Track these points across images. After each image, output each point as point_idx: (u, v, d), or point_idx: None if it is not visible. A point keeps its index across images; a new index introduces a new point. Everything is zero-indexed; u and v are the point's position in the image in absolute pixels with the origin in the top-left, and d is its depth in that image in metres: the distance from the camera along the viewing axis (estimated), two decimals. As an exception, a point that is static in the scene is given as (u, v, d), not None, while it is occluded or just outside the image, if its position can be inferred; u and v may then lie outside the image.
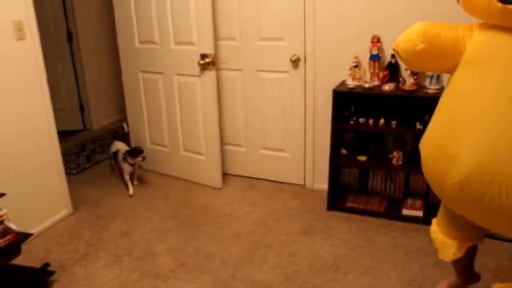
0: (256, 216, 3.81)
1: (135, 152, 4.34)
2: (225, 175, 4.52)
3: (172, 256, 3.33)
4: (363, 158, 3.68)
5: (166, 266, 3.23)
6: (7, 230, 2.79)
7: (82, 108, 6.34)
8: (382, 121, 3.49)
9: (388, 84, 3.39)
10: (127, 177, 4.39)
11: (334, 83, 3.67)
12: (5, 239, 2.77)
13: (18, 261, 3.08)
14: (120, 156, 4.44)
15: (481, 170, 1.75)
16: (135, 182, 4.57)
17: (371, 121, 3.52)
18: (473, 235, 2.30)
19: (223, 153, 4.44)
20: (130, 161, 4.34)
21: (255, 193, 4.22)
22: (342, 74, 3.72)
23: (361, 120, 3.56)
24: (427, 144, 2.06)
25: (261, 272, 3.10)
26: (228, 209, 3.95)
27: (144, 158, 4.34)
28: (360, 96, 3.64)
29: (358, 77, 3.57)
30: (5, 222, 2.77)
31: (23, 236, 2.97)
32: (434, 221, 2.46)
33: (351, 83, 3.56)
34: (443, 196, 2.02)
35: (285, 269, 3.11)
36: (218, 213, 3.89)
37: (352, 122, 3.58)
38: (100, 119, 6.57)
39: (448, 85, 2.02)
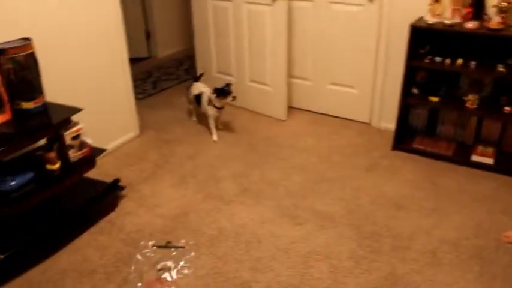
0: (320, 150, 3.81)
1: (224, 92, 3.88)
2: (289, 108, 4.50)
3: (236, 182, 3.41)
4: (434, 99, 3.55)
5: (230, 190, 3.31)
6: (83, 144, 2.92)
7: (148, 35, 6.39)
8: (460, 61, 3.33)
9: (471, 22, 3.20)
10: (212, 122, 4.04)
11: (411, 18, 3.50)
12: (82, 151, 2.91)
13: (91, 174, 3.23)
14: (205, 98, 4.04)
15: None
16: (220, 127, 4.22)
17: (448, 61, 3.36)
18: None
19: (289, 86, 4.40)
20: (218, 103, 3.93)
21: (319, 128, 4.20)
22: (420, 10, 3.53)
23: (437, 59, 3.40)
24: None
25: (323, 203, 3.13)
26: (292, 141, 3.96)
27: (234, 98, 3.87)
28: (439, 33, 3.46)
29: (438, 13, 3.38)
30: (82, 136, 2.89)
31: (97, 151, 3.11)
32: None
33: (430, 19, 3.38)
34: None
35: (348, 203, 3.13)
36: (282, 145, 3.92)
37: (427, 61, 3.43)
38: (165, 48, 6.62)
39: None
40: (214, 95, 3.89)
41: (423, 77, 3.65)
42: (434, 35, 3.50)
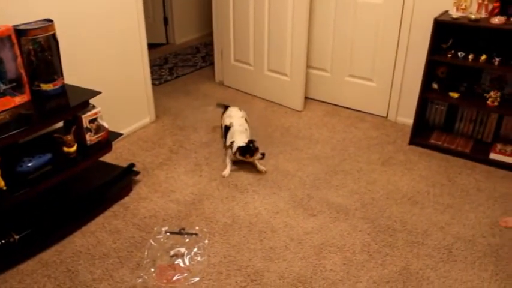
0: (335, 142, 3.78)
1: (249, 150, 3.33)
2: (306, 99, 4.47)
3: (251, 170, 3.40)
4: (455, 95, 3.51)
5: (244, 179, 3.30)
6: (100, 128, 2.92)
7: (166, 21, 6.38)
8: (483, 57, 3.27)
9: (497, 17, 3.14)
10: (228, 160, 3.46)
11: (436, 12, 3.44)
12: (98, 135, 2.92)
13: (106, 158, 3.24)
14: (230, 135, 3.48)
15: None
16: (261, 168, 3.44)
17: (471, 56, 3.31)
18: None
19: (306, 77, 4.36)
20: (242, 158, 3.39)
21: (335, 120, 4.17)
22: (445, 3, 3.47)
23: (460, 54, 3.35)
24: None
25: (338, 195, 3.11)
26: (307, 132, 3.94)
27: (263, 156, 3.34)
28: (463, 28, 3.39)
29: (463, 7, 3.32)
30: (99, 120, 2.89)
31: (114, 135, 3.12)
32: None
33: (454, 13, 3.33)
34: None
35: (362, 196, 3.11)
36: (298, 135, 3.90)
37: (449, 56, 3.38)
38: (183, 34, 6.60)
39: None
40: (238, 153, 3.36)
41: (444, 72, 3.60)
42: (457, 30, 3.44)
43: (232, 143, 3.40)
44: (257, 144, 3.38)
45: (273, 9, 4.14)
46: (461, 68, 3.51)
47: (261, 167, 3.41)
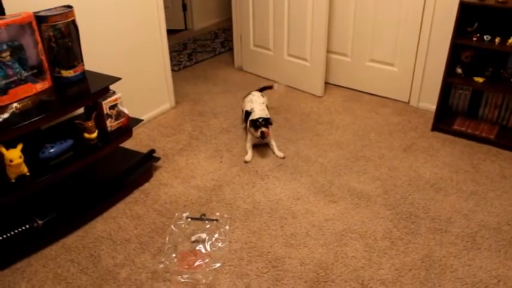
0: (357, 128, 3.73)
1: (258, 124, 3.34)
2: (326, 84, 4.41)
3: (272, 156, 3.38)
4: (479, 80, 3.43)
5: (265, 165, 3.29)
6: (120, 114, 2.93)
7: (184, 7, 6.35)
8: (511, 40, 3.18)
9: (525, -1, 3.05)
10: (249, 145, 3.45)
11: (460, -6, 3.36)
12: (119, 121, 2.92)
13: (126, 144, 3.25)
14: (249, 120, 3.48)
15: None
16: (279, 153, 3.42)
17: (497, 39, 3.22)
18: None
19: (327, 62, 4.30)
20: (255, 133, 3.38)
21: (356, 105, 4.12)
22: (470, -15, 3.38)
23: (486, 37, 3.26)
24: None
25: (359, 181, 3.08)
26: (328, 118, 3.90)
27: (267, 129, 3.35)
28: (489, 10, 3.30)
29: (490, -12, 3.23)
30: (119, 106, 2.89)
31: (134, 121, 3.12)
32: None
33: (480, -5, 3.24)
34: None
35: (384, 182, 3.07)
36: (318, 121, 3.86)
37: (475, 39, 3.30)
38: (201, 20, 6.58)
39: None
40: (251, 124, 3.40)
41: (468, 56, 3.51)
42: (483, 12, 3.34)
43: (250, 111, 3.49)
44: (271, 121, 3.45)
45: (293, -7, 4.09)
46: (486, 52, 3.42)
47: (279, 152, 3.39)
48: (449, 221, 2.72)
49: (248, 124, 3.45)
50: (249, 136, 3.46)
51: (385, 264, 2.42)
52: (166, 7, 3.93)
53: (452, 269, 2.38)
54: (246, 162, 3.33)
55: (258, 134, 3.33)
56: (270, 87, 3.99)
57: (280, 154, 3.38)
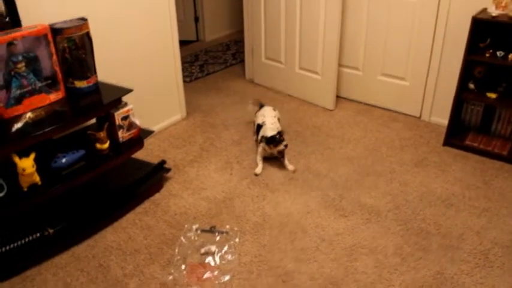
0: (368, 142, 3.72)
1: (275, 141, 3.35)
2: (337, 98, 4.41)
3: (282, 170, 3.38)
4: (492, 95, 3.41)
5: (275, 178, 3.28)
6: (132, 125, 2.95)
7: (196, 19, 6.40)
8: (523, 57, 3.17)
9: (539, 15, 3.04)
10: (259, 158, 3.45)
11: (473, 10, 3.34)
12: (130, 132, 2.94)
13: (137, 155, 3.26)
14: (260, 134, 3.50)
15: None
16: (289, 167, 3.42)
17: (510, 56, 3.20)
18: None
19: (338, 75, 4.30)
20: (269, 150, 3.41)
21: (367, 119, 4.11)
22: (482, 1, 3.36)
23: (499, 53, 3.25)
24: None
25: (370, 196, 3.06)
26: (339, 132, 3.89)
27: (286, 147, 3.36)
28: (502, 26, 3.29)
29: (503, 4, 3.21)
30: (131, 117, 2.91)
31: (145, 132, 3.13)
32: None
33: (493, 11, 3.22)
34: None
35: (395, 197, 3.05)
36: (329, 135, 3.85)
37: (487, 55, 3.29)
38: (213, 32, 6.62)
39: None
40: (264, 143, 3.40)
41: (481, 71, 3.50)
42: (496, 28, 3.34)
43: (262, 137, 3.43)
44: (284, 138, 3.42)
45: (305, 6, 4.10)
46: (499, 67, 3.41)
47: (289, 165, 3.39)
48: (461, 237, 2.69)
49: (259, 139, 3.45)
50: (260, 149, 3.45)
51: (396, 281, 2.40)
52: (179, 20, 3.97)
53: (464, 287, 2.35)
54: (256, 175, 3.33)
55: (282, 147, 3.32)
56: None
57: (290, 167, 3.38)
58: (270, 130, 3.42)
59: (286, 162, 3.41)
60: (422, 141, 3.72)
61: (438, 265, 2.49)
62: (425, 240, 2.67)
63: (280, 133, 3.40)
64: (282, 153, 3.43)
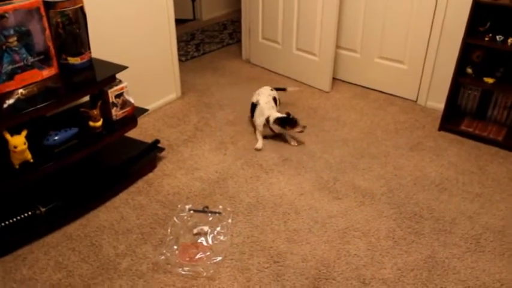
0: (363, 125, 3.71)
1: (291, 122, 3.35)
2: (334, 80, 4.38)
3: (277, 151, 3.36)
4: (489, 80, 3.39)
5: (269, 159, 3.27)
6: (126, 103, 2.91)
7: (194, -3, 6.33)
8: (523, 41, 3.14)
9: (540, -1, 3.00)
10: (258, 134, 3.48)
11: (474, -7, 3.31)
12: (124, 110, 2.91)
13: (131, 134, 3.23)
14: (258, 111, 3.50)
15: None
16: (293, 142, 3.47)
17: (510, 40, 3.17)
18: None
19: (335, 57, 4.26)
20: (278, 131, 3.44)
21: (363, 102, 4.09)
22: (483, -16, 3.33)
23: (499, 37, 3.22)
24: None
25: (364, 179, 3.06)
26: (335, 114, 3.87)
27: (304, 128, 3.37)
28: (503, 10, 3.25)
29: (504, -12, 3.19)
30: (125, 95, 2.88)
31: (139, 110, 3.10)
32: None
33: (494, -5, 3.19)
34: None
35: (389, 181, 3.05)
36: (325, 117, 3.83)
37: (487, 39, 3.26)
38: (210, 11, 6.53)
39: None
40: (276, 125, 3.38)
41: (479, 56, 3.47)
42: (496, 11, 3.30)
43: (268, 117, 3.42)
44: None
45: (303, -14, 4.05)
46: (498, 52, 3.38)
47: (293, 141, 3.42)
48: (454, 222, 2.70)
49: (273, 120, 3.39)
50: (260, 128, 3.48)
51: (387, 264, 2.40)
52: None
53: (455, 271, 2.36)
54: (257, 150, 3.35)
55: (300, 128, 3.35)
56: (283, 89, 3.98)
57: (295, 143, 3.42)
58: (267, 109, 3.44)
59: (292, 137, 3.45)
60: (418, 126, 3.71)
61: (430, 249, 2.50)
62: (418, 224, 2.68)
63: (289, 114, 3.38)
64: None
